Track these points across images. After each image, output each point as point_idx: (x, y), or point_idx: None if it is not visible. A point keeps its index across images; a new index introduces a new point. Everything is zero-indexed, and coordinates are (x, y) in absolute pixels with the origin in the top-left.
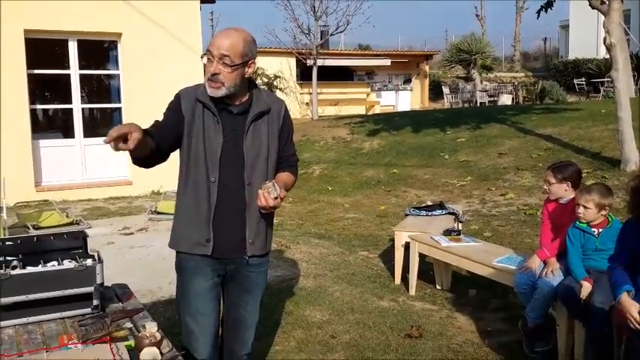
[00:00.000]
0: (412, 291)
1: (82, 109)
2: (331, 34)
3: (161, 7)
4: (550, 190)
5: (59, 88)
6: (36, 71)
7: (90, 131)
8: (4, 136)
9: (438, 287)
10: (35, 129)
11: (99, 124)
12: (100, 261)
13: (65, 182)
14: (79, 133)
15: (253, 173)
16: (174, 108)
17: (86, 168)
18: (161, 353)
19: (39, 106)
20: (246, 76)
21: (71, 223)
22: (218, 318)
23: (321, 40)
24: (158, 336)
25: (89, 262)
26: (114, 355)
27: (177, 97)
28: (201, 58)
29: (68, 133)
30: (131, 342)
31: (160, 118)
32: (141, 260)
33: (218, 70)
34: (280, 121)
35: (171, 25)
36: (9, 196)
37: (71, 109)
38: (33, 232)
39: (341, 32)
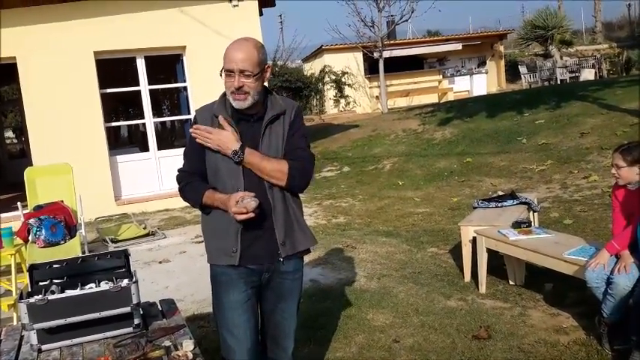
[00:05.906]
0: (482, 289)
1: (155, 123)
2: (396, 24)
3: (221, 16)
4: (619, 175)
5: (131, 105)
6: (108, 90)
7: (164, 143)
8: (82, 155)
9: (511, 283)
10: (113, 145)
11: (171, 135)
12: (135, 281)
13: (144, 194)
14: (153, 146)
15: None
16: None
17: (162, 179)
18: None
19: (114, 124)
20: (265, 81)
21: (147, 235)
22: (255, 329)
23: (387, 30)
24: (190, 355)
25: (125, 282)
26: None
27: (195, 120)
28: (220, 74)
29: (144, 147)
30: None
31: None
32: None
33: (241, 83)
34: (292, 119)
35: (233, 34)
36: (92, 212)
37: (144, 124)
38: (111, 246)
39: (406, 21)
